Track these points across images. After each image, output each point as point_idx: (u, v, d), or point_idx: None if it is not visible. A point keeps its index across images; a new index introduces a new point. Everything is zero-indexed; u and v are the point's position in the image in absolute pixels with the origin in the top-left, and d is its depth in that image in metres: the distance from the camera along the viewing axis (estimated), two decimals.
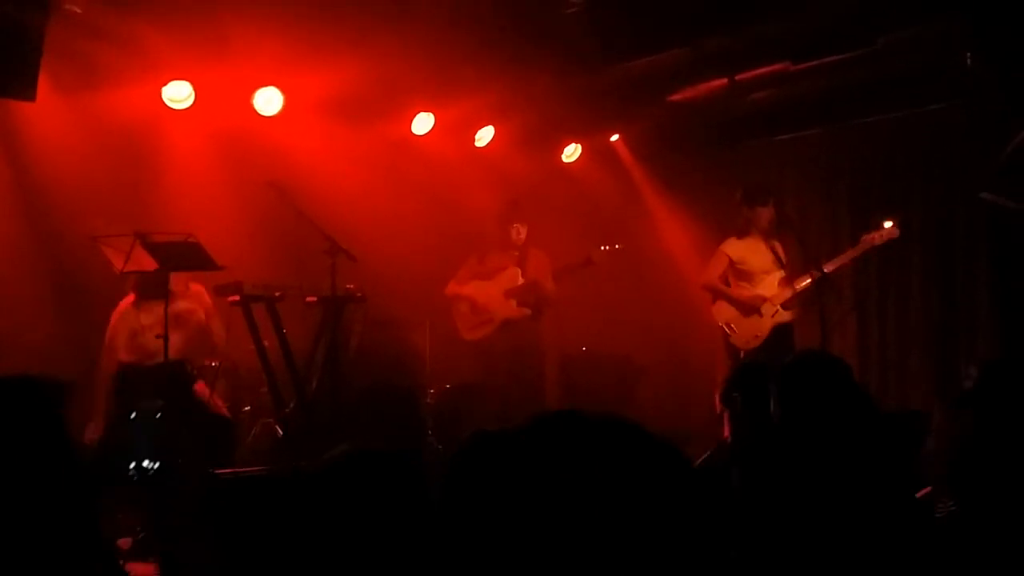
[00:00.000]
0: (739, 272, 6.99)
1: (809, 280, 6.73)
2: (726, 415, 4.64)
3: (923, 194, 7.91)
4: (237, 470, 5.36)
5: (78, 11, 5.93)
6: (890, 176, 8.13)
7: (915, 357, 7.93)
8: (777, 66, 7.25)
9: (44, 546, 2.21)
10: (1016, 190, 6.52)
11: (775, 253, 6.91)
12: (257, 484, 5.06)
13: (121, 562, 3.80)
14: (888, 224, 6.74)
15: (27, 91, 5.77)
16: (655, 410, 8.05)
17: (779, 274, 6.89)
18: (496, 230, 7.61)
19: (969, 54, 6.67)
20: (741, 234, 6.99)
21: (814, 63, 7.12)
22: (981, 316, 7.54)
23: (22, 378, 2.51)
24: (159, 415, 5.48)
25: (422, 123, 8.00)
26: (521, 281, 7.49)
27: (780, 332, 6.85)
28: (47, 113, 6.40)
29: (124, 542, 4.99)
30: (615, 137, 9.07)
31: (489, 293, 7.52)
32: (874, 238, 6.73)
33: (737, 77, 7.46)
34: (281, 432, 6.10)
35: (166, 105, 6.86)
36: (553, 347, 8.11)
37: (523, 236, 7.55)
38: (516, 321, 7.47)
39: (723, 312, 7.00)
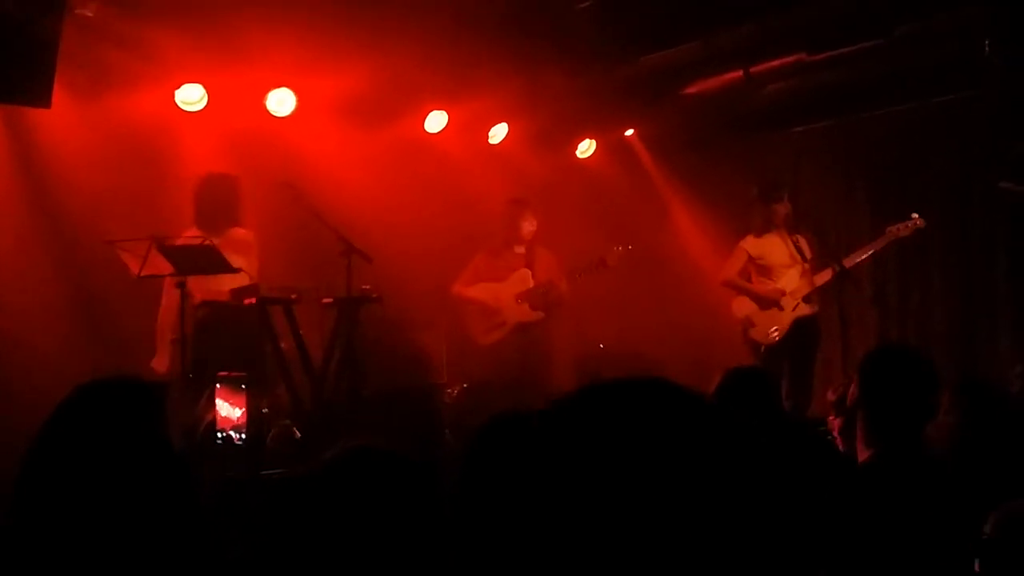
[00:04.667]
0: (759, 268, 6.97)
1: (829, 274, 6.69)
2: None
3: (941, 185, 7.84)
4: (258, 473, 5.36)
5: (90, 15, 5.93)
6: (907, 167, 8.06)
7: (935, 350, 7.86)
8: (792, 57, 7.20)
9: (148, 542, 2.25)
10: None
11: (797, 247, 6.88)
12: (277, 486, 5.08)
13: None
14: (914, 215, 6.68)
15: (42, 98, 5.77)
16: None
17: (800, 268, 6.87)
18: (504, 228, 7.58)
19: (987, 43, 6.59)
20: (759, 231, 6.97)
21: (830, 54, 7.06)
22: (1001, 306, 7.48)
23: (121, 379, 2.58)
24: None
25: (435, 121, 7.98)
26: (532, 283, 7.47)
27: (802, 325, 6.82)
28: (62, 119, 6.41)
29: None
30: (630, 132, 9.03)
31: (500, 296, 7.50)
32: (899, 229, 6.66)
33: (752, 69, 7.41)
34: (299, 434, 6.09)
35: (179, 108, 6.87)
36: (571, 345, 8.07)
37: (533, 232, 7.52)
38: (529, 325, 7.46)
39: (743, 307, 6.98)
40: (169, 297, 6.06)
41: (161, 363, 6.21)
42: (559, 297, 7.45)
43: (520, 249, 7.58)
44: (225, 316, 6.02)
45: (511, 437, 2.86)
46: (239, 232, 6.30)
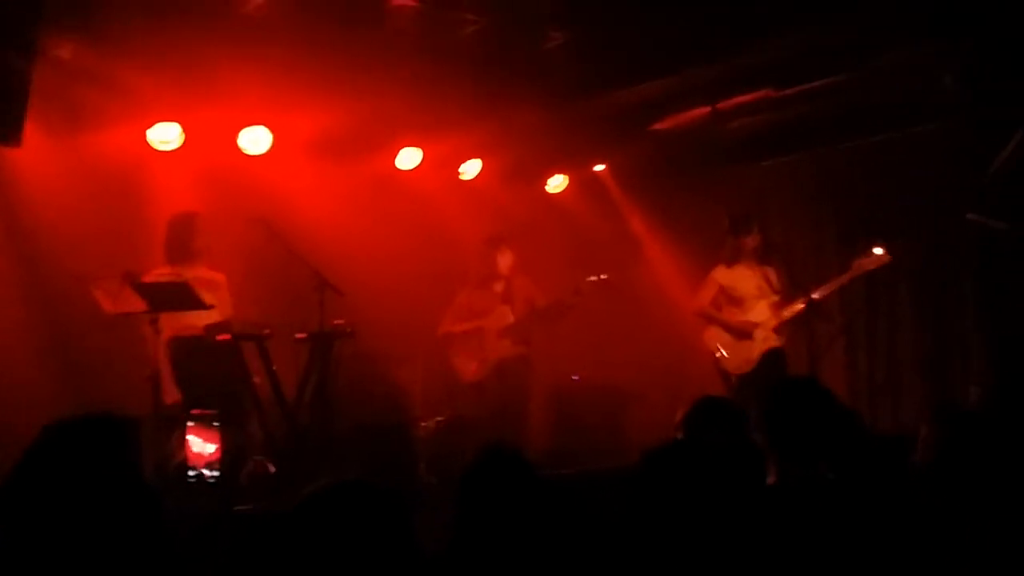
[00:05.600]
0: (729, 298, 7.04)
1: (798, 307, 6.77)
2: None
3: (909, 216, 7.93)
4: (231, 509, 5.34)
5: (66, 57, 5.97)
6: (875, 199, 8.16)
7: (905, 380, 7.94)
8: (759, 93, 7.32)
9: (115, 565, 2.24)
10: (1001, 210, 6.56)
11: (766, 279, 6.97)
12: (251, 522, 5.06)
13: None
14: (878, 250, 6.78)
15: (13, 137, 5.79)
16: (648, 438, 8.01)
17: (769, 300, 6.95)
18: (481, 266, 7.70)
19: (950, 77, 6.73)
20: (729, 261, 7.06)
21: (796, 89, 7.19)
22: (970, 337, 7.55)
23: (92, 417, 2.60)
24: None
25: (409, 158, 8.04)
26: (512, 319, 7.59)
27: (771, 357, 6.89)
28: (35, 157, 6.42)
29: None
30: (601, 167, 9.12)
31: (482, 333, 7.61)
32: (864, 263, 6.76)
33: (719, 105, 7.53)
34: (273, 469, 6.08)
35: (153, 147, 6.90)
36: (544, 376, 8.12)
37: (508, 265, 7.61)
38: (511, 360, 7.59)
39: (715, 337, 7.05)
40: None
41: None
42: (544, 313, 7.58)
43: (499, 285, 7.67)
44: (196, 351, 6.02)
45: (505, 470, 2.91)
46: (207, 271, 6.33)
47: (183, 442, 5.69)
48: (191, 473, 5.61)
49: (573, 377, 8.17)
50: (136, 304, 5.62)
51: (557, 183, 9.12)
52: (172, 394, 6.05)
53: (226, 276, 6.51)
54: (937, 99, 7.05)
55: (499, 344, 7.60)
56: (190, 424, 5.65)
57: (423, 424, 7.27)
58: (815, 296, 6.71)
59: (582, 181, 9.17)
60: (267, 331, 6.08)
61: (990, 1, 6.13)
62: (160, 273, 6.09)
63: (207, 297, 5.96)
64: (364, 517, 1.90)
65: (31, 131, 5.96)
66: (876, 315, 8.12)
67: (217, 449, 5.61)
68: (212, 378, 5.94)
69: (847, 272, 6.82)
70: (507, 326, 7.60)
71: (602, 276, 7.48)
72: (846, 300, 7.97)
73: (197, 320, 6.04)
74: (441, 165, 8.30)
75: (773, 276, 7.01)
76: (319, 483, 1.95)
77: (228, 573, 4.40)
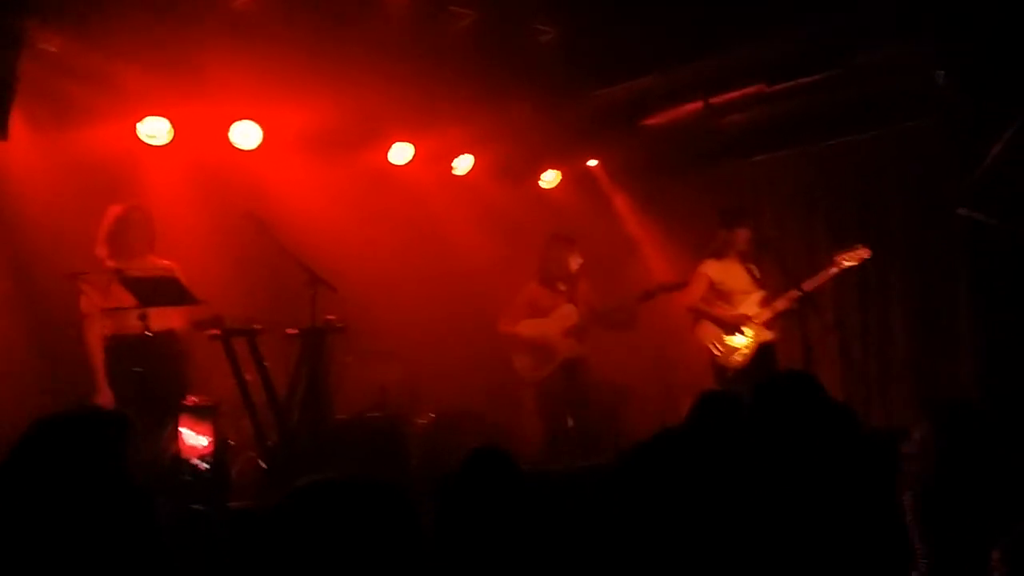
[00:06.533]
0: (719, 292, 7.05)
1: (789, 299, 6.78)
2: None
3: (900, 211, 7.96)
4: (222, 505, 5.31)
5: (53, 50, 5.93)
6: (866, 194, 8.18)
7: (897, 374, 7.96)
8: (751, 88, 7.32)
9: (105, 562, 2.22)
10: (992, 205, 6.57)
11: (752, 274, 6.99)
12: (243, 519, 5.04)
13: None
14: (860, 246, 6.81)
15: None
16: (641, 432, 8.01)
17: (758, 294, 6.96)
18: (549, 264, 7.64)
19: (940, 73, 6.73)
20: (719, 255, 7.06)
21: (788, 85, 7.18)
22: (961, 331, 7.57)
23: (82, 412, 2.58)
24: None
25: (401, 153, 8.02)
26: (576, 319, 7.56)
27: (763, 351, 6.91)
28: (22, 151, 6.38)
29: None
30: (593, 162, 9.11)
31: (547, 332, 7.57)
32: (847, 258, 6.78)
33: (712, 100, 7.52)
34: (264, 466, 6.06)
35: (142, 141, 6.86)
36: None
37: (578, 266, 7.62)
38: (576, 360, 7.57)
39: (708, 332, 7.05)
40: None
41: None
42: (625, 318, 7.56)
43: (564, 285, 7.65)
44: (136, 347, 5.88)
45: (493, 472, 2.89)
46: (155, 260, 6.18)
47: (176, 434, 5.65)
48: (185, 467, 5.57)
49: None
50: (126, 299, 5.57)
51: (550, 178, 9.11)
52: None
53: (178, 264, 6.22)
54: (928, 95, 7.06)
55: (564, 343, 7.57)
56: (183, 416, 5.62)
57: (415, 420, 7.27)
58: (804, 288, 6.72)
59: (575, 177, 9.16)
60: (258, 326, 6.05)
61: None
62: (144, 267, 5.96)
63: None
64: (373, 512, 1.86)
65: (17, 125, 5.93)
66: (869, 310, 8.13)
67: (210, 442, 5.58)
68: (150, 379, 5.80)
69: (830, 267, 6.84)
70: (572, 326, 7.57)
71: (668, 283, 7.42)
72: (838, 295, 7.99)
73: (182, 316, 5.99)
74: (433, 160, 8.28)
75: (763, 271, 7.03)
76: (318, 477, 1.92)
77: (225, 570, 4.38)
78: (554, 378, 7.57)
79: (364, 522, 1.82)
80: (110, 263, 5.98)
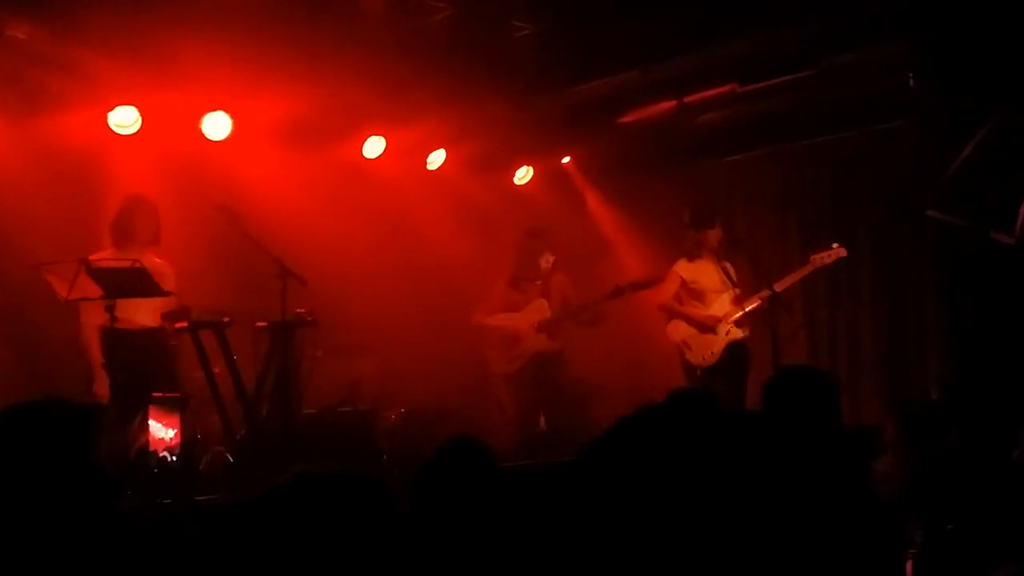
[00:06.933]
0: (691, 292, 7.07)
1: (760, 299, 6.82)
2: None
3: (871, 212, 8.02)
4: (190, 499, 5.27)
5: (21, 37, 5.86)
6: (838, 195, 8.24)
7: (866, 373, 8.02)
8: (725, 88, 7.34)
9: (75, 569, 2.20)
10: (961, 207, 6.63)
11: (726, 273, 7.02)
12: (210, 512, 5.00)
13: None
14: (835, 244, 6.85)
15: None
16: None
17: (730, 293, 6.99)
18: (521, 262, 7.70)
19: (912, 75, 6.78)
20: (691, 255, 7.08)
21: (761, 85, 7.21)
22: (930, 331, 7.64)
23: (51, 401, 2.55)
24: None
25: (373, 147, 7.98)
26: (548, 313, 7.64)
27: (734, 349, 6.94)
28: None
29: None
30: (566, 159, 9.11)
31: (518, 326, 7.62)
32: (822, 257, 6.82)
33: (686, 99, 7.54)
34: (232, 460, 6.01)
35: (113, 131, 6.79)
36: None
37: (550, 262, 7.62)
38: (547, 354, 7.62)
39: (679, 331, 7.07)
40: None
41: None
42: (596, 315, 7.60)
43: (538, 280, 7.72)
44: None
45: (467, 463, 2.88)
46: (153, 258, 6.17)
47: (144, 426, 5.60)
48: (152, 458, 5.52)
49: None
50: (92, 290, 5.51)
51: (523, 175, 9.10)
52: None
53: (172, 266, 6.28)
54: (900, 97, 7.12)
55: (536, 338, 7.62)
56: (151, 408, 5.57)
57: (386, 415, 7.24)
58: (776, 288, 6.76)
59: (548, 173, 9.15)
60: (226, 319, 6.00)
61: (953, 1, 6.19)
62: (107, 257, 5.91)
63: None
64: (359, 506, 1.83)
65: None
66: (838, 309, 8.19)
67: (177, 434, 5.53)
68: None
69: (805, 266, 6.89)
70: (543, 320, 7.62)
71: (639, 281, 7.43)
72: (808, 295, 8.04)
73: (151, 308, 5.95)
74: (407, 154, 8.25)
75: (732, 270, 7.06)
76: (301, 470, 1.89)
77: (196, 564, 4.33)
78: (524, 372, 7.63)
79: (350, 516, 1.81)
80: (107, 252, 5.98)
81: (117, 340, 5.74)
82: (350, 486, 1.83)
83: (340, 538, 1.75)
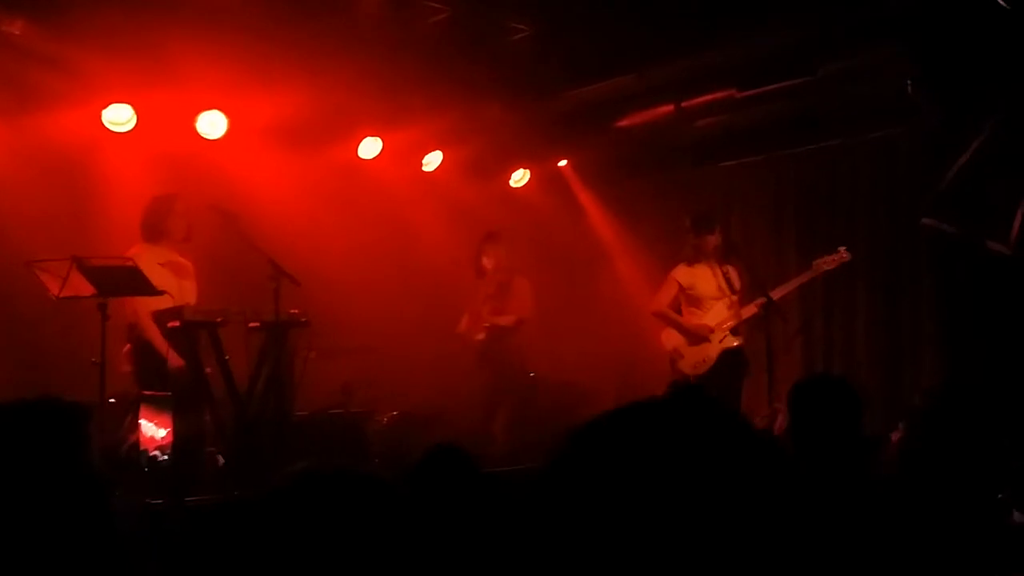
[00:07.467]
0: (689, 298, 7.03)
1: (756, 306, 6.79)
2: None
3: (867, 219, 8.01)
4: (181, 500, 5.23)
5: (16, 32, 5.83)
6: (835, 201, 8.22)
7: (860, 380, 7.99)
8: (722, 93, 7.33)
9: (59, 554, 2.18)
10: (956, 216, 6.62)
11: (726, 278, 6.97)
12: (201, 513, 4.96)
13: None
14: (841, 248, 6.84)
15: None
16: None
17: (728, 300, 6.95)
18: (473, 261, 7.79)
19: (909, 82, 6.77)
20: (690, 261, 7.04)
21: (759, 91, 7.21)
22: (925, 338, 7.62)
23: (43, 400, 2.54)
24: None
25: (369, 148, 7.97)
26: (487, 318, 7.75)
27: (729, 356, 6.90)
28: None
29: None
30: (563, 162, 9.10)
31: (471, 329, 7.81)
32: (826, 262, 6.81)
33: (683, 104, 7.53)
34: (223, 461, 5.98)
35: (107, 128, 6.76)
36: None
37: (491, 268, 7.63)
38: (492, 352, 7.71)
39: (671, 339, 7.04)
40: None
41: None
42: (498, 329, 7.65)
43: (501, 277, 7.73)
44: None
45: (449, 470, 2.85)
46: (177, 256, 6.24)
47: (135, 425, 5.57)
48: (143, 457, 5.49)
49: (530, 374, 8.14)
50: (84, 288, 5.47)
51: (519, 177, 9.09)
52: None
53: (193, 264, 6.37)
54: (896, 105, 7.11)
55: (478, 337, 7.77)
56: (143, 407, 5.53)
57: (377, 417, 7.21)
58: (773, 296, 6.74)
59: (544, 176, 9.14)
60: (219, 319, 5.95)
61: (950, 8, 6.18)
62: (111, 257, 5.89)
63: (174, 282, 5.86)
64: (368, 504, 1.81)
65: None
66: (833, 316, 8.17)
67: (168, 433, 5.49)
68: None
69: (807, 272, 6.87)
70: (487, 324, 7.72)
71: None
72: (804, 301, 8.02)
73: (147, 306, 5.93)
74: (403, 156, 8.24)
75: (734, 276, 7.02)
76: (309, 466, 1.86)
77: (196, 564, 4.29)
78: (483, 372, 7.74)
79: (358, 514, 1.78)
80: (137, 247, 6.06)
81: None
82: (357, 484, 1.81)
83: (351, 535, 1.73)
